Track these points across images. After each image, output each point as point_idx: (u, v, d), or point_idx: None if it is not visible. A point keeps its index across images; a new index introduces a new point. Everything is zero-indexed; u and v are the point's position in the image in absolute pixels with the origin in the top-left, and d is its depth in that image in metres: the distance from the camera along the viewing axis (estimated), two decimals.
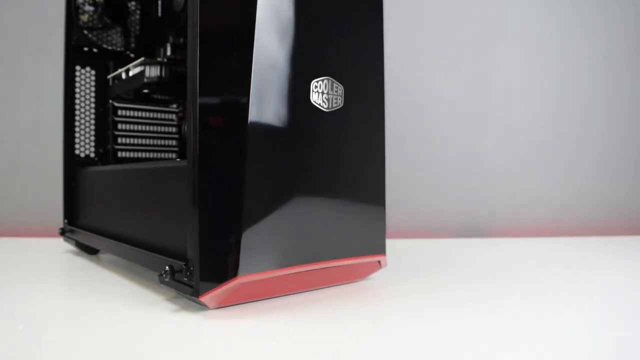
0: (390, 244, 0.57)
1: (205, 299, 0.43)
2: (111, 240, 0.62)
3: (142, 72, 0.70)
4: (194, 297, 0.44)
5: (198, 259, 0.43)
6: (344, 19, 0.51)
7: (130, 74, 0.73)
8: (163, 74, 0.72)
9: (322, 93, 0.47)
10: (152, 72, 0.72)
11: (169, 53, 0.84)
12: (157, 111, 0.84)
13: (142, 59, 0.70)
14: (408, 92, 1.05)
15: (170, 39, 0.81)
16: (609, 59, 1.07)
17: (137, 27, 0.84)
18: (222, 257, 0.44)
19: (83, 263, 0.71)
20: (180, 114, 0.86)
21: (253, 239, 0.44)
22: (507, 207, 1.06)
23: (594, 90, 1.07)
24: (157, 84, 0.70)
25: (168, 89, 0.75)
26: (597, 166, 1.07)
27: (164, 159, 0.74)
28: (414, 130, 1.05)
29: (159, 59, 0.84)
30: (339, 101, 0.48)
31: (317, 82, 0.47)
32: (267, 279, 0.45)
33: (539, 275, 0.63)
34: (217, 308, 0.46)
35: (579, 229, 1.06)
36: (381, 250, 0.54)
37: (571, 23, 1.07)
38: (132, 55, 0.84)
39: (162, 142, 0.85)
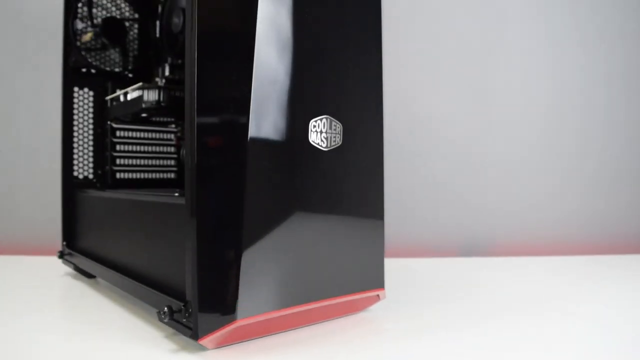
0: (388, 264, 0.57)
1: (204, 341, 0.43)
2: (110, 270, 0.62)
3: (140, 97, 0.70)
4: (193, 339, 0.44)
5: (197, 302, 0.43)
6: (343, 54, 0.51)
7: (129, 97, 0.73)
8: (161, 98, 0.72)
9: (320, 132, 0.47)
10: (150, 96, 0.71)
11: (167, 73, 0.83)
12: (155, 131, 0.84)
13: (140, 83, 0.69)
14: (407, 109, 1.04)
15: (169, 59, 0.80)
16: (609, 76, 1.07)
17: (136, 47, 0.83)
18: (221, 300, 0.44)
19: (82, 289, 0.70)
20: (178, 134, 0.86)
21: (252, 281, 0.44)
22: (510, 224, 1.06)
23: (594, 107, 1.07)
24: (155, 109, 0.70)
25: (167, 113, 0.75)
26: (601, 183, 1.07)
27: (163, 190, 0.73)
28: (412, 147, 1.05)
29: (157, 80, 0.84)
30: (337, 139, 0.48)
31: (316, 121, 0.47)
32: (266, 319, 0.45)
33: (549, 309, 0.63)
34: (217, 348, 0.46)
35: (582, 248, 1.06)
36: (380, 284, 0.54)
37: (571, 40, 1.07)
38: (130, 75, 0.83)
39: (161, 162, 0.85)
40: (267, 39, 0.44)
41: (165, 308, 0.46)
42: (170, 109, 0.73)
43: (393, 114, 1.01)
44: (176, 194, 0.52)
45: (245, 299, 0.43)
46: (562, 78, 1.07)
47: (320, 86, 0.48)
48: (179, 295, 0.48)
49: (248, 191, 0.44)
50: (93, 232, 0.74)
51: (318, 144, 0.47)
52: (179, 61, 0.79)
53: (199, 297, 0.43)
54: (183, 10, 0.74)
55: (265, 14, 0.44)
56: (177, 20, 0.77)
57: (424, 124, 1.05)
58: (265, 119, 0.44)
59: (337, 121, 0.48)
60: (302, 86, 0.47)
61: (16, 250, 1.00)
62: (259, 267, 0.45)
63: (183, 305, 0.45)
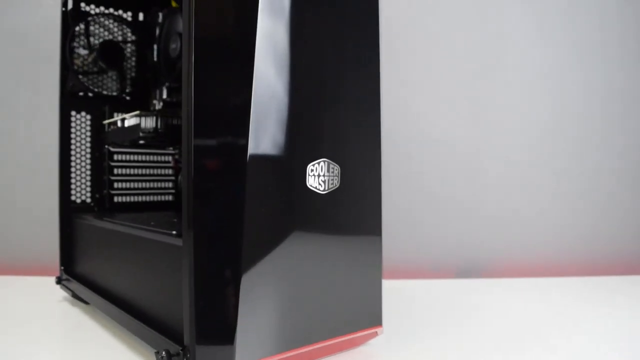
0: (385, 286, 0.57)
1: None
2: (106, 302, 0.62)
3: (137, 125, 0.70)
4: None
5: (194, 350, 0.43)
6: (340, 94, 0.51)
7: (126, 124, 0.73)
8: (158, 125, 0.72)
9: (318, 176, 0.47)
10: (148, 123, 0.71)
11: (165, 96, 0.83)
12: (153, 154, 0.84)
13: (138, 112, 0.69)
14: (404, 131, 1.04)
15: (167, 82, 0.80)
16: (608, 93, 1.07)
17: (133, 70, 0.83)
18: (219, 346, 0.44)
19: (79, 318, 0.70)
20: (176, 157, 0.85)
21: (250, 326, 0.44)
22: (509, 245, 1.06)
23: (593, 127, 1.07)
24: (152, 137, 0.70)
25: (164, 139, 0.75)
26: (603, 205, 1.07)
27: (161, 217, 0.73)
28: (410, 167, 1.05)
29: (154, 103, 0.84)
30: (335, 181, 0.48)
31: (314, 165, 0.47)
32: None
33: (554, 338, 0.63)
34: None
35: (589, 268, 1.05)
36: (378, 321, 0.54)
37: (570, 61, 1.07)
38: (127, 98, 0.83)
39: (159, 184, 0.85)
40: (265, 81, 0.44)
41: (164, 352, 0.46)
42: (167, 135, 0.73)
43: (389, 134, 1.00)
44: (174, 233, 0.52)
45: (243, 345, 0.43)
46: (562, 93, 1.07)
47: (319, 127, 0.48)
48: (176, 336, 0.48)
49: (246, 237, 0.44)
50: (90, 260, 0.73)
51: (316, 187, 0.47)
52: (177, 84, 0.79)
53: (197, 344, 0.43)
54: (180, 35, 0.74)
55: (263, 50, 0.44)
56: (174, 45, 0.76)
57: (422, 144, 1.05)
58: (263, 164, 0.44)
59: (335, 163, 0.48)
60: (300, 128, 0.47)
61: (16, 271, 1.00)
62: (257, 312, 0.45)
63: (181, 350, 0.45)
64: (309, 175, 0.46)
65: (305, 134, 0.47)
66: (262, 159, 0.44)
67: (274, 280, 0.46)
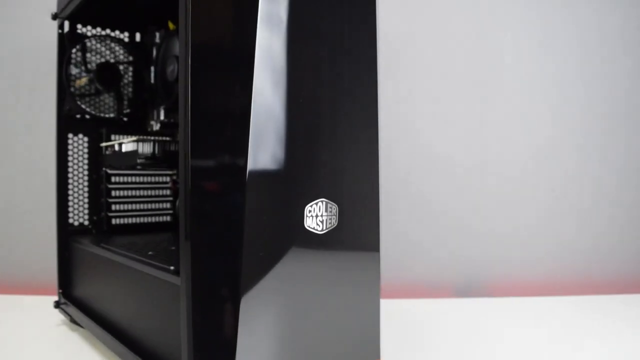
0: (383, 306, 0.56)
1: None
2: (104, 331, 0.62)
3: (135, 152, 0.69)
4: None
5: None
6: (338, 126, 0.50)
7: (124, 149, 0.73)
8: (156, 151, 0.72)
9: (316, 216, 0.47)
10: (145, 148, 0.71)
11: (162, 117, 0.83)
12: (151, 175, 0.83)
13: (135, 137, 0.69)
14: (402, 148, 1.04)
15: (164, 105, 0.80)
16: (609, 113, 1.06)
17: (130, 91, 0.83)
18: None
19: (78, 344, 0.70)
20: (174, 177, 0.85)
21: None
22: (508, 262, 1.05)
23: (593, 144, 1.06)
24: (150, 163, 0.70)
25: (162, 164, 0.75)
26: (603, 222, 1.07)
27: (158, 245, 0.73)
28: (408, 184, 1.04)
29: (152, 124, 0.84)
30: (333, 221, 0.48)
31: (312, 206, 0.46)
32: None
33: None
34: None
35: (584, 286, 1.05)
36: (376, 354, 0.54)
37: (570, 77, 1.06)
38: (125, 119, 0.83)
39: (157, 205, 0.85)
40: (262, 114, 0.44)
41: None
42: (165, 161, 0.73)
43: (387, 151, 1.00)
44: (171, 268, 0.52)
45: None
46: (561, 110, 1.06)
47: (317, 165, 0.48)
48: None
49: (244, 281, 0.44)
50: (88, 286, 0.73)
51: (314, 228, 0.47)
52: (175, 107, 0.78)
53: None
54: (177, 58, 0.73)
55: (259, 90, 0.44)
56: (172, 68, 0.76)
57: (420, 160, 1.05)
58: (261, 205, 0.44)
59: (333, 203, 0.48)
60: (298, 167, 0.46)
61: (16, 289, 1.00)
62: (255, 349, 0.45)
63: None
64: (307, 216, 0.46)
65: (303, 173, 0.47)
66: (260, 202, 0.44)
67: (272, 319, 0.46)
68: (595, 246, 1.06)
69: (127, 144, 0.71)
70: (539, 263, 1.05)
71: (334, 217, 0.48)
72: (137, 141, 0.69)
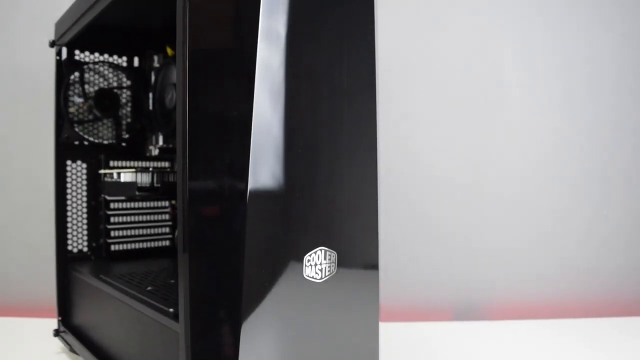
0: (382, 330, 0.56)
1: None
2: None
3: (134, 183, 0.69)
4: None
5: None
6: (337, 176, 0.50)
7: (122, 179, 0.72)
8: (154, 181, 0.72)
9: (315, 265, 0.46)
10: (144, 179, 0.71)
11: (161, 142, 0.83)
12: (150, 200, 0.83)
13: (133, 169, 0.69)
14: (402, 169, 1.03)
15: (163, 133, 0.80)
16: (609, 136, 1.06)
17: (129, 116, 0.82)
18: None
19: None
20: (173, 202, 0.85)
21: None
22: (507, 284, 1.05)
23: (593, 167, 1.06)
24: (149, 194, 0.70)
25: (161, 194, 0.75)
26: (605, 245, 1.06)
27: (158, 279, 0.73)
28: (406, 205, 1.04)
29: (151, 149, 0.84)
30: (332, 268, 0.48)
31: (310, 255, 0.46)
32: None
33: None
34: None
35: (584, 308, 1.05)
36: None
37: (570, 100, 1.06)
38: (123, 144, 0.82)
39: (156, 230, 0.84)
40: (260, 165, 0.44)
41: None
42: (165, 192, 0.73)
43: (386, 173, 1.00)
44: (171, 310, 0.52)
45: None
46: (562, 132, 1.06)
47: (316, 211, 0.47)
48: None
49: (244, 325, 0.44)
50: (88, 316, 0.73)
51: (312, 277, 0.46)
52: (174, 136, 0.78)
53: None
54: (175, 85, 0.73)
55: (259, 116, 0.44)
56: (170, 96, 0.76)
57: (419, 182, 1.05)
58: (260, 256, 0.44)
59: (332, 250, 0.48)
60: (298, 214, 0.46)
61: (17, 311, 1.00)
62: None
63: None
64: (305, 265, 0.46)
65: (302, 222, 0.46)
66: (259, 253, 0.44)
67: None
68: (597, 268, 1.06)
69: (126, 175, 0.71)
70: (539, 285, 1.05)
71: (333, 264, 0.48)
72: (135, 171, 0.68)
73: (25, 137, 1.02)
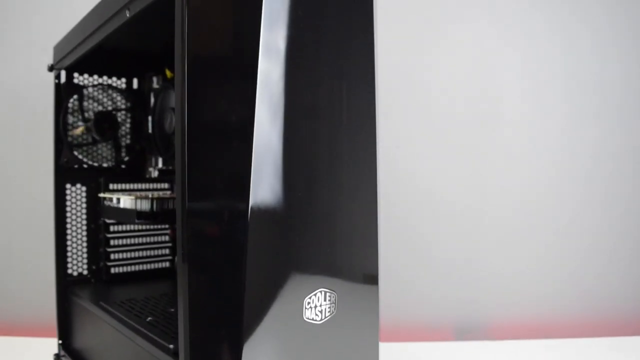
0: (382, 350, 0.56)
1: None
2: None
3: (133, 210, 0.69)
4: None
5: None
6: (335, 202, 0.50)
7: (121, 205, 0.72)
8: (154, 207, 0.71)
9: (315, 307, 0.46)
10: (144, 205, 0.71)
11: (160, 165, 0.83)
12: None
13: (132, 197, 0.68)
14: (401, 191, 1.03)
15: (163, 157, 0.79)
16: (610, 156, 1.05)
17: (128, 138, 0.82)
18: None
19: None
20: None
21: None
22: (509, 304, 1.05)
23: (594, 190, 1.05)
24: (149, 222, 0.69)
25: (161, 221, 0.74)
26: (606, 265, 1.06)
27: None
28: (406, 225, 1.04)
29: (150, 171, 0.83)
30: (332, 309, 0.48)
31: (310, 297, 0.46)
32: None
33: None
34: None
35: (585, 328, 1.05)
36: None
37: (571, 120, 1.05)
38: (123, 166, 0.82)
39: (156, 252, 0.84)
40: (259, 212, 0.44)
41: None
42: (164, 220, 0.73)
43: (385, 194, 1.00)
44: (171, 347, 0.52)
45: None
46: (562, 153, 1.06)
47: (316, 253, 0.47)
48: None
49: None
50: (88, 342, 0.73)
51: (312, 319, 0.46)
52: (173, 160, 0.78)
53: None
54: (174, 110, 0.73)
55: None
56: (169, 120, 0.76)
57: (418, 203, 1.04)
58: (260, 300, 0.44)
59: (332, 291, 0.47)
60: (299, 258, 0.46)
61: (18, 332, 1.00)
62: None
63: None
64: (305, 308, 0.46)
65: (302, 264, 0.46)
66: (259, 295, 0.44)
67: None
68: (598, 288, 1.05)
69: (125, 201, 0.71)
70: (539, 305, 1.05)
71: (333, 305, 0.48)
72: (135, 198, 0.68)
73: (24, 159, 1.02)
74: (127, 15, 0.53)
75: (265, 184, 0.44)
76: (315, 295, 0.46)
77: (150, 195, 0.70)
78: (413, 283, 1.04)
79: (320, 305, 0.47)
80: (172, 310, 0.66)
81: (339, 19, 0.50)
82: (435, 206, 1.04)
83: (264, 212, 0.44)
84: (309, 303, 0.46)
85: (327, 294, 0.47)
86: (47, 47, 0.82)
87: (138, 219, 0.68)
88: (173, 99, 0.74)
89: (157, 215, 0.71)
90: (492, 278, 1.04)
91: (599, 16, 1.05)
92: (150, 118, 0.79)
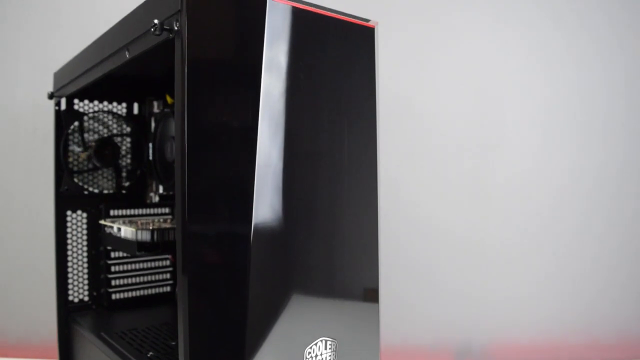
0: None
1: None
2: None
3: (134, 243, 0.69)
4: None
5: None
6: (337, 259, 0.50)
7: (122, 235, 0.72)
8: (155, 238, 0.71)
9: (315, 357, 0.46)
10: (144, 236, 0.70)
11: (161, 190, 0.83)
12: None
13: (133, 229, 0.68)
14: (402, 219, 1.03)
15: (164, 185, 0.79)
16: (610, 183, 1.05)
17: (129, 164, 0.82)
18: None
19: None
20: None
21: None
22: (509, 328, 1.05)
23: (594, 218, 1.05)
24: (150, 254, 0.69)
25: (162, 251, 0.74)
26: (603, 287, 1.05)
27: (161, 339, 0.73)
28: (406, 249, 1.04)
29: (151, 196, 0.83)
30: (333, 356, 0.47)
31: (311, 347, 0.46)
32: None
33: None
34: None
35: (585, 350, 1.04)
36: None
37: (571, 147, 1.04)
38: (124, 191, 0.82)
39: (157, 277, 0.84)
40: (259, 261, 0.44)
41: None
42: (165, 250, 0.72)
43: (385, 219, 1.00)
44: None
45: None
46: (562, 179, 1.05)
47: (316, 305, 0.47)
48: None
49: None
50: None
51: None
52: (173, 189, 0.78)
53: None
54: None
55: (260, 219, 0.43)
56: (170, 149, 0.75)
57: (420, 227, 1.04)
58: (260, 353, 0.44)
59: (333, 339, 0.47)
60: (297, 309, 0.46)
61: (21, 354, 1.00)
62: None
63: None
64: (306, 358, 0.46)
65: (302, 314, 0.46)
66: (258, 348, 0.43)
67: None
68: (597, 312, 1.05)
69: (126, 232, 0.70)
70: (539, 329, 1.04)
71: (334, 353, 0.48)
72: (135, 230, 0.68)
73: (25, 186, 1.02)
74: (127, 56, 0.53)
75: (266, 209, 0.44)
76: (315, 344, 0.46)
77: (151, 226, 0.70)
78: (412, 307, 1.04)
79: (321, 354, 0.47)
80: (174, 343, 0.66)
81: (339, 51, 0.50)
82: (435, 232, 1.04)
83: (265, 272, 0.44)
84: (309, 353, 0.46)
85: (328, 343, 0.47)
86: (47, 71, 0.82)
87: (139, 250, 0.68)
88: (173, 128, 0.74)
89: (158, 245, 0.71)
90: (493, 302, 1.04)
91: (607, 37, 1.04)
92: (150, 145, 0.79)
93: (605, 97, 1.05)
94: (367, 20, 0.53)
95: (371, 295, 0.54)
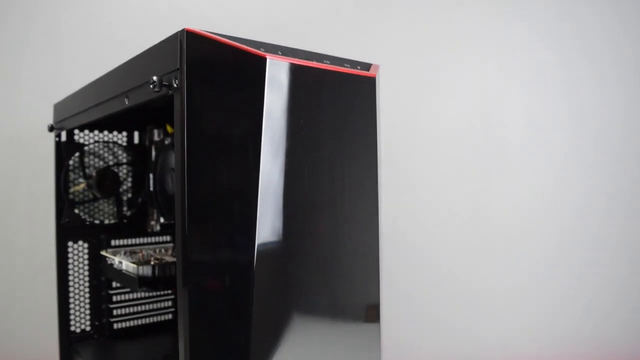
0: None
1: None
2: None
3: (135, 279, 0.69)
4: None
5: None
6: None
7: (123, 269, 0.72)
8: (156, 273, 0.71)
9: None
10: (145, 271, 0.70)
11: (162, 220, 0.83)
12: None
13: (134, 265, 0.68)
14: (403, 247, 1.03)
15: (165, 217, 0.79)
16: (609, 198, 1.04)
17: (130, 193, 0.82)
18: None
19: None
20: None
21: None
22: (511, 337, 1.05)
23: (597, 243, 1.05)
24: (150, 287, 0.69)
25: (163, 286, 0.74)
26: (612, 309, 1.05)
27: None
28: (407, 280, 1.04)
29: (152, 225, 0.83)
30: None
31: None
32: None
33: None
34: None
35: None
36: None
37: (570, 163, 1.04)
38: (125, 220, 0.82)
39: (159, 304, 0.84)
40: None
41: None
42: (166, 286, 0.72)
43: (387, 236, 1.00)
44: None
45: None
46: (562, 196, 1.05)
47: (318, 333, 0.47)
48: None
49: None
50: None
51: None
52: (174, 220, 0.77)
53: None
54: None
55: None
56: (171, 181, 0.75)
57: (421, 263, 1.04)
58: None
59: None
60: (298, 337, 0.46)
61: None
62: None
63: None
64: None
65: (306, 345, 0.46)
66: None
67: None
68: (600, 334, 1.05)
69: (128, 266, 0.70)
70: (542, 337, 1.05)
71: None
72: (137, 265, 0.68)
73: (25, 216, 1.02)
74: (126, 103, 0.53)
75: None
76: None
77: (152, 261, 0.70)
78: (413, 317, 1.04)
79: None
80: None
81: (340, 102, 0.50)
82: (436, 249, 1.04)
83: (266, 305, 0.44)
84: None
85: None
86: (48, 95, 0.82)
87: (140, 286, 0.68)
88: (173, 160, 0.74)
89: (160, 280, 0.71)
90: (494, 311, 1.04)
91: (603, 57, 1.04)
92: (151, 175, 0.79)
93: (601, 119, 1.04)
94: (369, 66, 0.53)
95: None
